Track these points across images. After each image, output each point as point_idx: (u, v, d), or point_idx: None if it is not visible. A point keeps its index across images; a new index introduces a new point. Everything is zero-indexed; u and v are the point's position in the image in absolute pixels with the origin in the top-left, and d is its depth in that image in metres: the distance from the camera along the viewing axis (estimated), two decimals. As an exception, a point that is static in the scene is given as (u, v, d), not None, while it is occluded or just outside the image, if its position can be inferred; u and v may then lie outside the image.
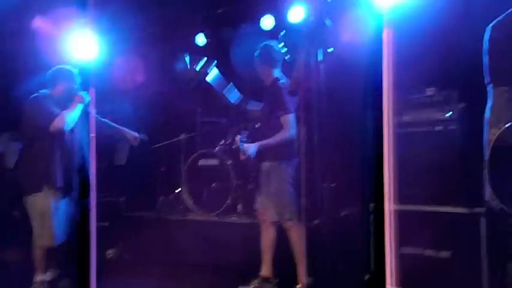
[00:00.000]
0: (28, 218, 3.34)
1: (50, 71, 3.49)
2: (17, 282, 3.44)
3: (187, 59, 5.43)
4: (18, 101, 3.50)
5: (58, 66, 3.50)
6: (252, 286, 3.31)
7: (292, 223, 3.16)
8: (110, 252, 4.36)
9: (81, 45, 3.55)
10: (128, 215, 4.90)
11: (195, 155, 4.72)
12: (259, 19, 4.90)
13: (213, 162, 4.63)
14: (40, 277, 3.32)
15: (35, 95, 3.42)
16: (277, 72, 3.39)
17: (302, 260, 3.12)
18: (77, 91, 3.44)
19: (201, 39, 5.43)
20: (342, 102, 3.09)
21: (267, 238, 3.34)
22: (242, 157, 3.24)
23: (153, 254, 4.26)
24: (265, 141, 3.28)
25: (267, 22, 4.88)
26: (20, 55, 4.46)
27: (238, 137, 3.29)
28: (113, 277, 3.68)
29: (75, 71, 3.50)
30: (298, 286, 3.10)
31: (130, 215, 4.90)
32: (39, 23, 4.21)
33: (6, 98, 4.08)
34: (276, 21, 4.85)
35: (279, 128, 3.20)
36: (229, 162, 4.48)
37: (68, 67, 3.50)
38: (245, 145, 3.23)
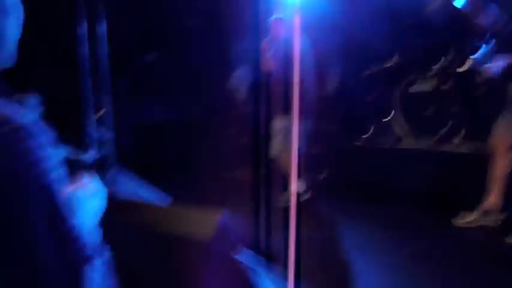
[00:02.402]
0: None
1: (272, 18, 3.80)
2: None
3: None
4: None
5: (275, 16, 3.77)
6: (471, 218, 3.12)
7: None
8: (323, 175, 4.68)
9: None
10: (340, 142, 5.11)
11: (407, 80, 4.50)
12: None
13: (428, 87, 4.32)
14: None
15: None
16: None
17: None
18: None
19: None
20: None
21: (501, 167, 3.03)
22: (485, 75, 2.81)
23: (364, 181, 4.37)
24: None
25: None
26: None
27: (472, 58, 2.85)
28: (322, 198, 3.99)
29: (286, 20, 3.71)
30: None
31: (342, 142, 5.10)
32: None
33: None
34: None
35: None
36: (447, 86, 4.11)
37: (279, 16, 3.74)
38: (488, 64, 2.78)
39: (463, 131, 4.09)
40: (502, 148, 3.03)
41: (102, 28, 3.90)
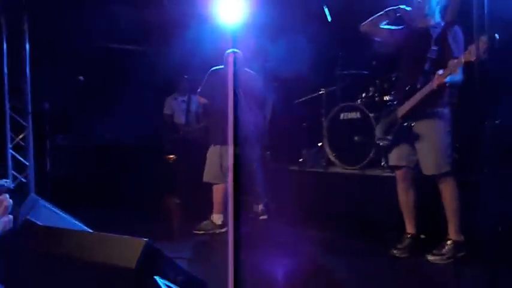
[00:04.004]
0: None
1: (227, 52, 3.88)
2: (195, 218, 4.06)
3: (326, 10, 5.33)
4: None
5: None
6: (402, 245, 3.15)
7: (445, 178, 2.95)
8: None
9: (227, 7, 3.76)
10: (273, 167, 5.18)
11: (336, 108, 4.70)
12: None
13: (355, 115, 4.55)
14: (214, 216, 3.94)
15: (213, 69, 4.02)
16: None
17: (454, 217, 2.93)
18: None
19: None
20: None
21: (409, 197, 3.18)
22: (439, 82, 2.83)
23: (297, 204, 4.46)
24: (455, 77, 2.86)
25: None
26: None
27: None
28: (259, 224, 4.03)
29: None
30: (448, 242, 2.93)
31: (275, 167, 5.18)
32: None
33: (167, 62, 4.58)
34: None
35: None
36: (372, 115, 4.35)
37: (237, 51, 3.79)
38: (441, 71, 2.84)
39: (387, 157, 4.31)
40: (399, 175, 3.20)
41: (25, 48, 3.70)
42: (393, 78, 4.40)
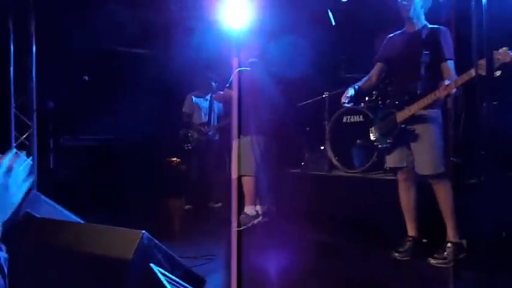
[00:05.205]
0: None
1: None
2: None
3: (330, 14, 5.35)
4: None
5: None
6: (404, 248, 3.17)
7: (440, 179, 2.97)
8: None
9: (232, 12, 3.80)
10: (276, 170, 5.18)
11: (339, 111, 4.71)
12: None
13: (358, 118, 4.55)
14: (247, 208, 4.05)
15: (238, 69, 4.06)
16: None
17: (450, 219, 2.95)
18: None
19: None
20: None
21: (410, 198, 3.20)
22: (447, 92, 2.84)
23: (300, 208, 4.45)
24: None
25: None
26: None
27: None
28: (262, 229, 4.03)
29: None
30: (448, 245, 2.93)
31: (278, 171, 5.17)
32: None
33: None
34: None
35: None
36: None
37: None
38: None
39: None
40: (401, 176, 3.21)
41: (32, 49, 3.74)
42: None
